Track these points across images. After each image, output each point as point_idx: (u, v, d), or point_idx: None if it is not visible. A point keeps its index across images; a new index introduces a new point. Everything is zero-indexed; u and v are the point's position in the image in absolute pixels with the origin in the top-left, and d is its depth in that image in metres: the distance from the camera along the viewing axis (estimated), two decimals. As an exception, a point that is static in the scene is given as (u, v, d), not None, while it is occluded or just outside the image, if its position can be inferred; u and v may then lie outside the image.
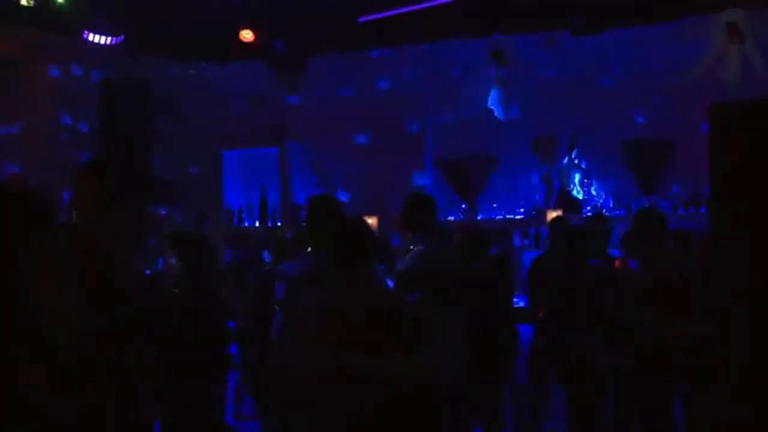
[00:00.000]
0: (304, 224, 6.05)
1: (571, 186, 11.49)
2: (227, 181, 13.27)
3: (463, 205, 11.78)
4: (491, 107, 11.59)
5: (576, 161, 11.58)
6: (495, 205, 11.77)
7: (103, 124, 11.31)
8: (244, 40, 10.71)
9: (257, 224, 12.48)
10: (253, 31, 10.62)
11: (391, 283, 5.63)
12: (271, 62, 11.44)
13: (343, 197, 11.27)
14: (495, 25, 10.69)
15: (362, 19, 9.51)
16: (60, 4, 8.74)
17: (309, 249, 5.09)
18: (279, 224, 12.23)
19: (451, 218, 11.52)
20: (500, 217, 11.60)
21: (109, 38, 9.07)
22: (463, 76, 11.68)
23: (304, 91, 12.36)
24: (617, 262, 6.89)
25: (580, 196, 11.30)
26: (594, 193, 11.52)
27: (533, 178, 11.89)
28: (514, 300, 7.49)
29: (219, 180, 13.17)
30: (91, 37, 9.02)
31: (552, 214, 10.03)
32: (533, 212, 11.46)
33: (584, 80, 11.28)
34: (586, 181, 11.52)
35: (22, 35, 9.32)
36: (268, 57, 11.32)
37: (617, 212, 10.82)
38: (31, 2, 8.55)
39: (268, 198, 12.57)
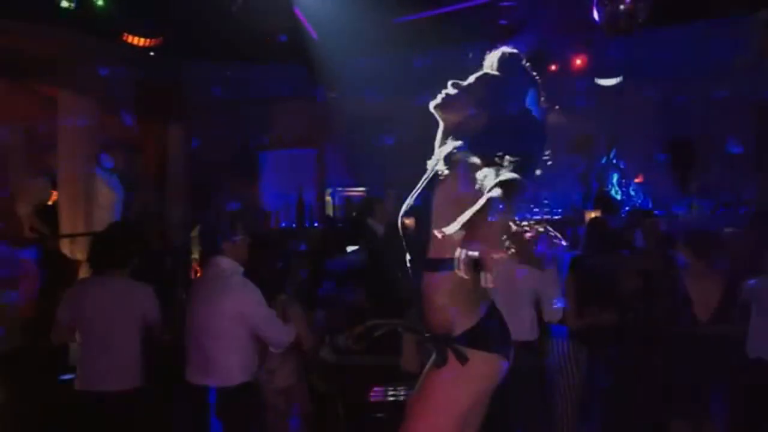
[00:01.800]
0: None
1: (609, 186, 11.42)
2: (264, 182, 13.36)
3: (500, 206, 11.74)
4: (529, 107, 11.53)
5: (614, 161, 11.51)
6: (532, 206, 11.71)
7: (141, 125, 11.44)
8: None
9: (294, 225, 12.54)
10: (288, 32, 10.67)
11: None
12: (308, 63, 11.48)
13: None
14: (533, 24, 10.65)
15: (397, 20, 9.52)
16: (100, 6, 8.84)
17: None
18: (315, 225, 12.27)
19: (491, 219, 11.44)
20: (537, 217, 11.52)
21: (147, 40, 9.16)
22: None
23: (342, 92, 12.41)
24: None
25: (618, 197, 11.23)
26: (632, 193, 11.44)
27: (571, 179, 11.83)
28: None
29: (256, 181, 13.26)
30: (130, 39, 9.11)
31: (590, 215, 9.97)
32: (571, 212, 11.40)
33: (623, 79, 11.20)
34: (624, 181, 11.45)
35: (62, 37, 9.43)
36: (305, 58, 11.37)
37: (656, 212, 10.73)
38: (72, 4, 8.64)
39: (304, 199, 12.62)
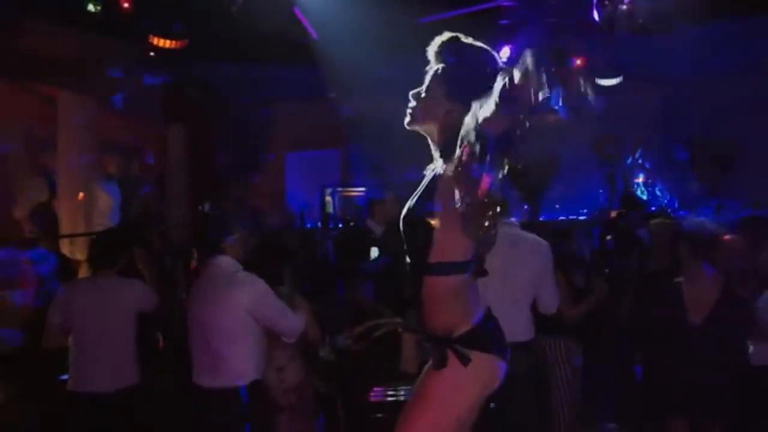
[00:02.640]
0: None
1: (635, 186, 11.36)
2: (289, 183, 13.39)
3: (525, 206, 11.70)
4: (554, 107, 11.48)
5: (640, 161, 11.45)
6: (557, 206, 11.67)
7: (168, 127, 11.52)
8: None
9: (319, 225, 12.56)
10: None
11: None
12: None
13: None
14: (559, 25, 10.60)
15: (423, 20, 9.50)
16: (125, 9, 8.89)
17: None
18: (340, 225, 12.29)
19: (513, 219, 11.42)
20: (563, 217, 11.48)
21: (173, 42, 9.20)
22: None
23: (366, 92, 12.41)
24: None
25: (644, 197, 11.16)
26: (658, 193, 11.37)
27: (596, 179, 11.77)
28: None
29: (281, 181, 13.30)
30: (155, 41, 9.16)
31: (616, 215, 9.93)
32: (596, 213, 11.34)
33: (649, 79, 11.13)
34: (650, 181, 11.38)
35: (89, 40, 9.50)
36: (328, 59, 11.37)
37: (682, 213, 10.64)
38: (98, 8, 8.70)
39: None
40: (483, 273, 2.97)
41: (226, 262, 4.66)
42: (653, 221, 7.41)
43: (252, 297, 4.55)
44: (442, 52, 3.06)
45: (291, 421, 5.06)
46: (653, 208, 10.80)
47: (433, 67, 3.09)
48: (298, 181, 13.42)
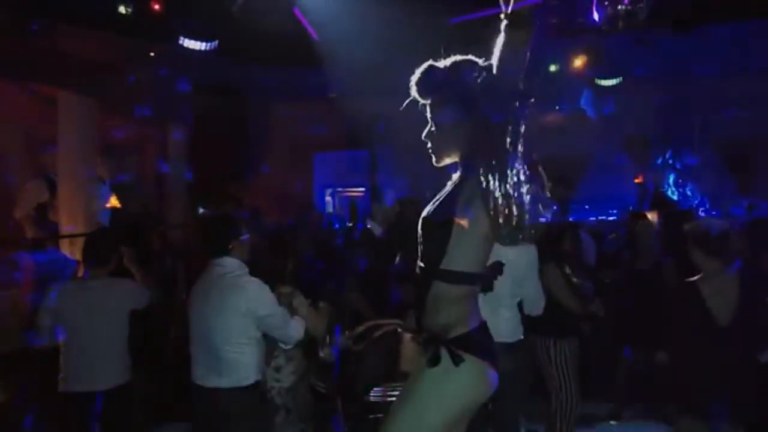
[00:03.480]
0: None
1: (666, 187, 11.28)
2: (317, 184, 13.43)
3: (555, 207, 11.65)
4: (583, 107, 11.45)
5: (671, 161, 11.37)
6: (587, 207, 11.60)
7: (198, 128, 11.58)
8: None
9: (348, 225, 12.59)
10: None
11: None
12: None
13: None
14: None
15: (452, 21, 9.49)
16: (156, 11, 8.94)
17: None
18: (368, 226, 12.31)
19: (543, 220, 11.34)
20: (593, 218, 11.42)
21: (204, 44, 9.25)
22: (555, 75, 11.57)
23: (395, 93, 12.39)
24: None
25: (675, 197, 11.08)
26: (689, 194, 11.28)
27: (626, 179, 11.71)
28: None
29: (310, 182, 13.34)
30: (186, 43, 9.20)
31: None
32: (626, 214, 11.27)
33: (680, 79, 11.05)
34: (681, 181, 11.30)
35: (120, 42, 9.57)
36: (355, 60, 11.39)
37: (714, 213, 10.55)
38: (129, 10, 8.76)
39: (357, 200, 12.67)
40: (490, 288, 3.03)
41: (231, 263, 4.69)
42: (640, 221, 7.44)
43: (254, 301, 4.58)
44: (426, 85, 3.12)
45: (284, 422, 5.07)
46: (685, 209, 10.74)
47: (424, 101, 3.15)
48: (327, 181, 13.46)
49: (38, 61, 8.87)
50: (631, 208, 11.22)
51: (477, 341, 2.94)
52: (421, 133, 3.16)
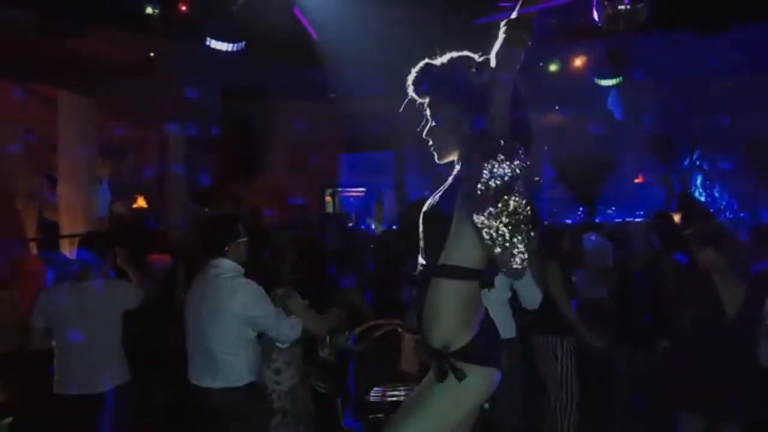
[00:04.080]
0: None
1: (693, 188, 11.21)
2: (343, 184, 13.45)
3: (581, 208, 11.61)
4: (610, 108, 11.41)
5: (698, 163, 11.30)
6: (613, 208, 11.55)
7: (225, 128, 11.63)
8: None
9: (373, 226, 12.59)
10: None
11: None
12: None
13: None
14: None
15: (479, 21, 9.48)
16: (183, 12, 8.99)
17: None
18: (394, 227, 12.31)
19: (569, 221, 11.35)
20: (619, 219, 11.35)
21: (231, 45, 9.28)
22: (581, 75, 11.53)
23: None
24: None
25: (702, 199, 11.01)
26: (717, 195, 11.21)
27: (653, 181, 11.65)
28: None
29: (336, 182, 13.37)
30: (213, 44, 9.24)
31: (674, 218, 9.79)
32: (653, 215, 11.19)
33: (707, 80, 10.98)
34: (708, 183, 11.22)
35: (147, 44, 9.63)
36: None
37: (741, 215, 10.47)
38: (156, 11, 8.81)
39: (383, 200, 12.67)
40: (490, 285, 2.97)
41: (226, 265, 4.67)
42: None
43: (246, 303, 4.56)
44: (423, 84, 3.11)
45: (281, 425, 5.06)
46: (712, 211, 10.66)
47: (421, 100, 3.12)
48: (353, 182, 13.47)
49: (65, 62, 8.94)
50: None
51: (479, 348, 2.90)
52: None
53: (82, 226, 9.05)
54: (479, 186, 2.63)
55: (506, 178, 2.65)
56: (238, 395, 4.56)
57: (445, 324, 2.88)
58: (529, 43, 2.78)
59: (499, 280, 5.09)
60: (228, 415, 4.54)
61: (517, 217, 2.64)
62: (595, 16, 7.62)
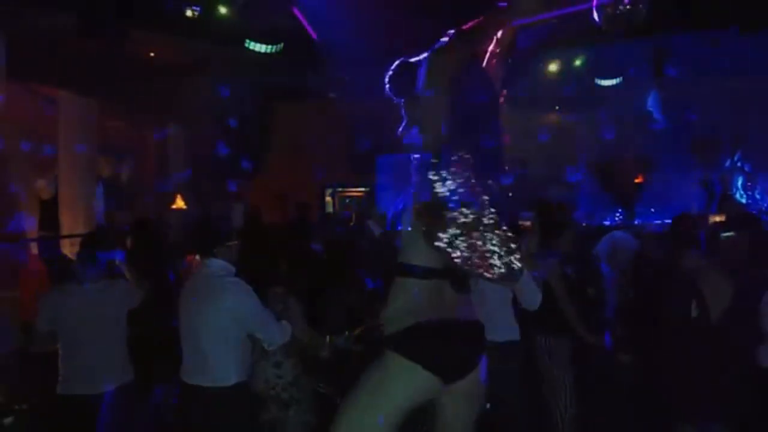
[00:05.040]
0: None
1: (734, 190, 11.06)
2: (380, 186, 13.43)
3: (619, 210, 11.50)
4: (650, 109, 11.31)
5: (739, 164, 11.14)
6: (652, 210, 11.42)
7: (264, 129, 11.69)
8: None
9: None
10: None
11: None
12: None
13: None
14: (657, 24, 10.39)
15: (515, 23, 9.44)
16: (223, 15, 9.05)
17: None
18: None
19: (607, 223, 11.24)
20: (658, 222, 11.21)
21: (269, 47, 9.34)
22: (621, 76, 11.45)
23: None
24: None
25: (743, 200, 10.86)
26: (758, 197, 11.05)
27: (693, 182, 11.51)
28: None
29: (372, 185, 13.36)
30: (252, 46, 9.30)
31: (714, 219, 9.65)
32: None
33: (749, 80, 10.84)
34: (749, 184, 11.07)
35: (188, 46, 9.71)
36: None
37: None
38: (196, 14, 8.88)
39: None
40: (462, 289, 2.99)
41: (217, 265, 4.69)
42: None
43: (235, 304, 4.58)
44: (397, 87, 3.16)
45: (297, 414, 5.07)
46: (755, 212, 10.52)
47: (396, 100, 3.29)
48: (389, 183, 13.46)
49: (105, 64, 9.03)
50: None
51: (410, 341, 2.94)
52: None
53: (83, 226, 9.12)
54: (414, 201, 2.73)
55: (438, 195, 2.70)
56: (225, 395, 4.57)
57: (389, 310, 3.02)
58: (466, 59, 2.83)
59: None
60: (213, 414, 4.55)
61: (469, 227, 2.67)
62: (595, 16, 7.60)
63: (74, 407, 5.05)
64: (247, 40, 9.36)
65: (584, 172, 11.98)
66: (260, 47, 9.51)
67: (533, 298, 5.27)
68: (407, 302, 2.97)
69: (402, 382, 2.94)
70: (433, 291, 2.98)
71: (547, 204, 6.54)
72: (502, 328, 5.26)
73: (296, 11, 9.22)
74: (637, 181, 12.07)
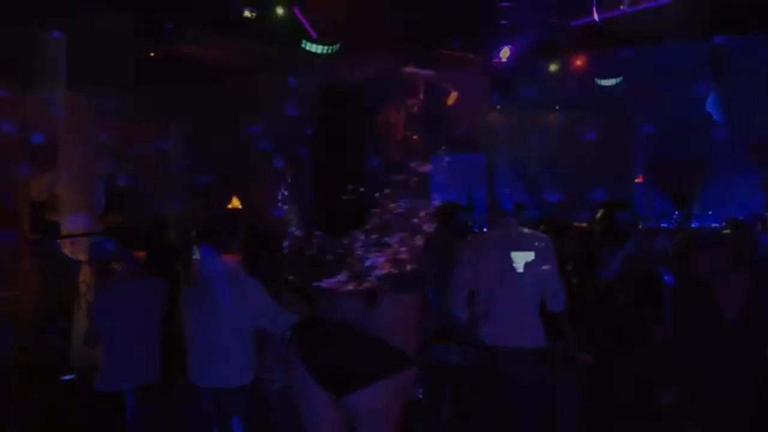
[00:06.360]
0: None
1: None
2: (434, 186, 13.44)
3: (676, 213, 11.38)
4: (709, 111, 11.16)
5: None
6: (710, 213, 11.27)
7: (319, 128, 11.71)
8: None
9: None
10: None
11: None
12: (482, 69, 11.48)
13: (552, 199, 11.16)
14: (714, 26, 10.26)
15: (574, 23, 9.38)
16: (280, 15, 9.13)
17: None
18: (485, 229, 12.26)
19: (664, 225, 11.11)
20: (716, 224, 11.04)
21: (325, 47, 9.39)
22: (679, 78, 11.32)
23: (512, 94, 12.34)
24: None
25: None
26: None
27: (752, 184, 11.35)
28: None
29: (427, 184, 13.37)
30: (308, 46, 9.35)
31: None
32: (752, 219, 10.88)
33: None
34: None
35: (245, 47, 9.79)
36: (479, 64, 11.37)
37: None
38: (253, 15, 8.96)
39: (474, 204, 12.62)
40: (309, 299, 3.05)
41: (224, 261, 4.72)
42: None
43: (248, 301, 4.61)
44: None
45: (277, 421, 5.04)
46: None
47: None
48: (444, 184, 13.46)
49: (163, 64, 9.14)
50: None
51: (299, 336, 2.99)
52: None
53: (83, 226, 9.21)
54: None
55: None
56: (237, 395, 4.61)
57: None
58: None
59: (529, 282, 5.07)
60: (225, 415, 4.58)
61: None
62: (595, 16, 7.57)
63: (110, 403, 5.11)
64: (303, 41, 9.41)
65: (640, 174, 11.89)
66: (316, 48, 9.56)
67: (560, 298, 5.22)
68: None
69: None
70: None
71: (617, 203, 6.43)
72: (526, 334, 5.16)
73: (296, 11, 9.27)
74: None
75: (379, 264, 2.77)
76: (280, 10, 9.22)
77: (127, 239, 5.61)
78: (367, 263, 2.78)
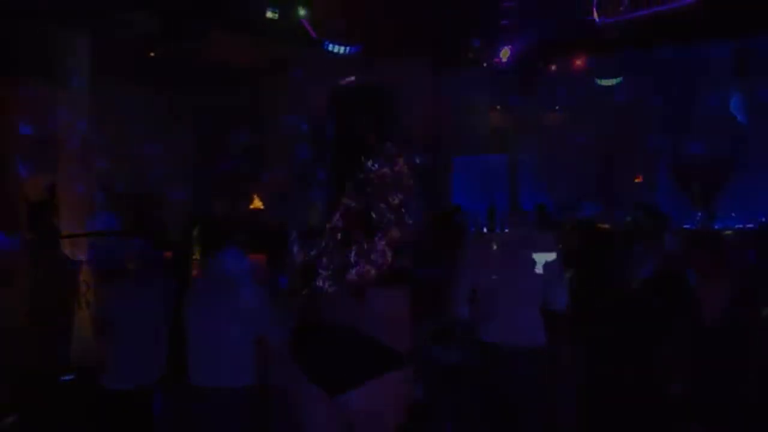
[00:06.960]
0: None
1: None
2: (456, 187, 13.44)
3: (699, 214, 11.29)
4: (733, 110, 11.09)
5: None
6: (733, 214, 11.18)
7: (339, 129, 11.73)
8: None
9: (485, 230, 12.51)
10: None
11: None
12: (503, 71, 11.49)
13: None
14: (741, 28, 10.20)
15: (602, 21, 9.37)
16: (302, 16, 9.17)
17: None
18: (506, 231, 12.21)
19: (687, 227, 11.02)
20: (739, 226, 10.95)
21: (347, 48, 9.42)
22: (703, 78, 11.27)
23: (534, 97, 12.31)
24: None
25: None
26: None
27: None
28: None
29: (448, 185, 13.36)
30: (331, 47, 9.39)
31: None
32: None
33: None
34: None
35: (268, 47, 9.83)
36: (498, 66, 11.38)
37: None
38: (276, 15, 9.00)
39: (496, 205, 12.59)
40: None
41: (227, 263, 4.69)
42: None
43: (249, 303, 4.58)
44: None
45: (279, 421, 5.03)
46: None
47: None
48: (466, 185, 13.46)
49: (187, 65, 9.18)
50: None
51: (297, 336, 3.01)
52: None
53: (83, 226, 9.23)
54: None
55: None
56: (237, 396, 4.58)
57: None
58: None
59: (528, 281, 5.07)
60: (224, 416, 4.55)
61: None
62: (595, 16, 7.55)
63: (119, 402, 5.09)
64: (326, 41, 9.45)
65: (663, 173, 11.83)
66: (338, 48, 9.59)
67: (560, 298, 5.19)
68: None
69: None
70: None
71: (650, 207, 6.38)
72: (525, 332, 5.09)
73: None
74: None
75: (362, 260, 2.76)
76: (302, 11, 9.26)
77: (156, 240, 5.62)
78: (350, 259, 2.79)
